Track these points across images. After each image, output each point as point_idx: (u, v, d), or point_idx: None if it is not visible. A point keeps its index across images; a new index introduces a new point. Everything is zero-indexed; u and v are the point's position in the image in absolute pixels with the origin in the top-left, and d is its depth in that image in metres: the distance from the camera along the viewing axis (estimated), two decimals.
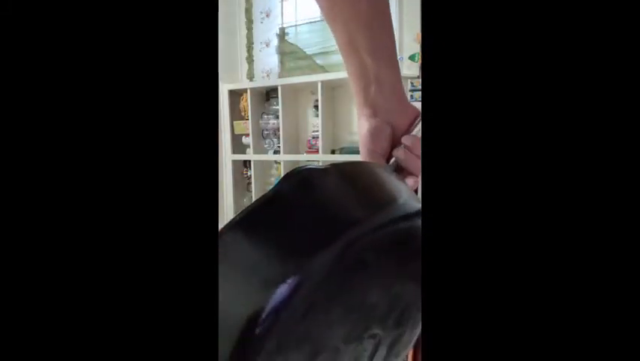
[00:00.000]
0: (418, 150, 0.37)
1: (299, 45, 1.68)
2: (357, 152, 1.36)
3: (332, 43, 1.31)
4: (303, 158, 1.62)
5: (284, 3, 1.96)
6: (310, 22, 1.74)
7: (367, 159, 0.41)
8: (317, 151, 1.56)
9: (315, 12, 1.80)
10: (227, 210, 1.54)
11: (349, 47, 0.41)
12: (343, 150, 1.37)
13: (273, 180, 1.54)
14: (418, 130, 0.37)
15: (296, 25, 1.87)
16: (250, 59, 1.51)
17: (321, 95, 1.42)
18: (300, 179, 0.25)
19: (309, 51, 1.56)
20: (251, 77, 1.50)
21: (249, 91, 1.43)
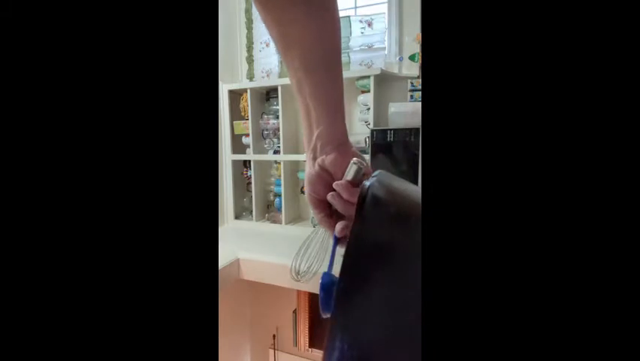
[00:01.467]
0: (347, 195, 0.38)
1: None
2: None
3: None
4: (303, 158, 1.62)
5: None
6: None
7: (308, 201, 0.43)
8: None
9: None
10: (227, 210, 1.54)
11: (298, 92, 0.42)
12: None
13: (273, 181, 1.54)
14: (350, 175, 0.38)
15: None
16: (250, 59, 1.51)
17: None
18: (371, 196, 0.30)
19: None
20: (251, 77, 1.50)
21: (249, 91, 1.43)
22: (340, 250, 0.41)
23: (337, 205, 0.39)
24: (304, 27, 0.39)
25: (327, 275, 0.42)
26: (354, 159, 0.39)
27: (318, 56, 0.40)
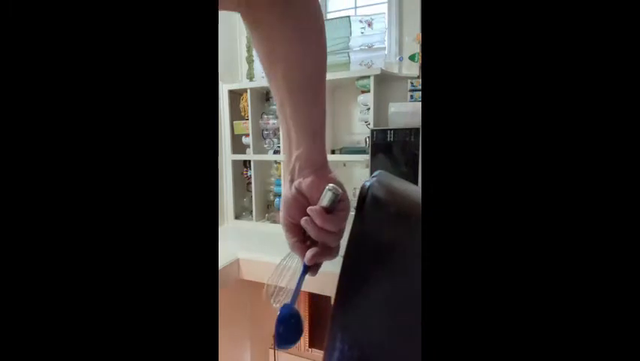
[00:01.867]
0: (320, 222, 0.37)
1: None
2: (357, 152, 1.36)
3: (332, 44, 1.31)
4: None
5: None
6: None
7: (282, 224, 0.41)
8: None
9: None
10: (227, 210, 1.54)
11: (280, 112, 0.41)
12: (343, 150, 1.37)
13: (273, 180, 1.54)
14: (325, 201, 0.37)
15: None
16: (250, 59, 1.51)
17: None
18: (371, 198, 0.31)
19: None
20: (251, 77, 1.50)
21: (249, 91, 1.43)
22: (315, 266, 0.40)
23: (310, 231, 0.38)
24: (291, 45, 0.39)
25: (286, 308, 0.39)
26: (330, 185, 0.37)
27: (302, 75, 0.39)
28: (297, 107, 0.39)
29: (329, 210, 0.37)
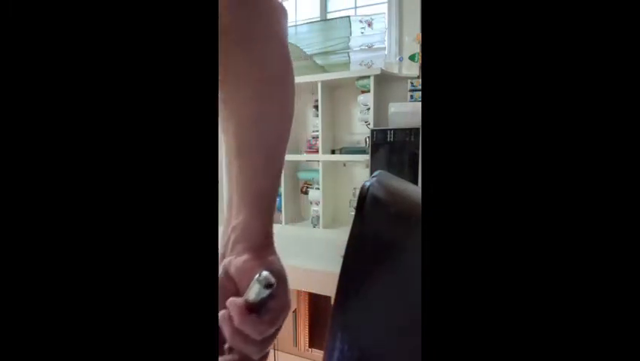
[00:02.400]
0: (238, 321, 0.27)
1: (299, 45, 1.68)
2: (356, 151, 1.36)
3: (332, 44, 1.31)
4: (303, 158, 1.62)
5: (283, 3, 1.94)
6: (310, 22, 1.74)
7: None
8: (317, 151, 1.55)
9: (315, 12, 1.80)
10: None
11: (227, 172, 0.34)
12: (343, 150, 1.37)
13: None
14: (251, 294, 0.27)
15: (296, 25, 1.86)
16: None
17: (321, 95, 1.42)
18: (371, 199, 0.31)
19: (309, 51, 1.56)
20: None
21: None
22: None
23: (225, 331, 0.28)
24: (249, 100, 0.32)
25: None
26: (263, 273, 0.27)
27: (255, 139, 0.32)
28: (244, 170, 0.32)
29: (255, 308, 0.27)
